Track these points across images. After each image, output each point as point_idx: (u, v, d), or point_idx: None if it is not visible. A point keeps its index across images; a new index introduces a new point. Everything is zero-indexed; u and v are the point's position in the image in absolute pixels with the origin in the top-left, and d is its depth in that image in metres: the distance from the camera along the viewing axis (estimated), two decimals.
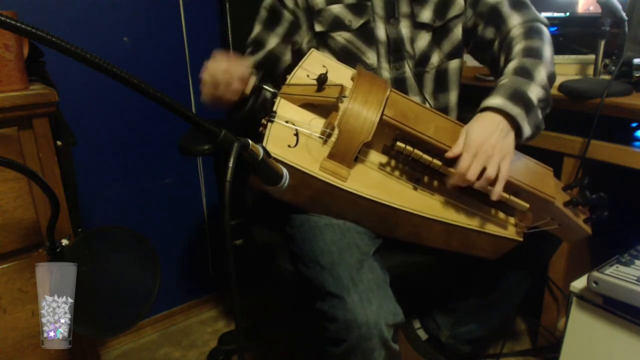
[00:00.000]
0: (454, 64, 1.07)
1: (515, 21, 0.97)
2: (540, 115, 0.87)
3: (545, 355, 1.36)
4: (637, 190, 1.27)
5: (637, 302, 0.84)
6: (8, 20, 0.41)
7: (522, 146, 0.89)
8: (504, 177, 0.81)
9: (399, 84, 1.04)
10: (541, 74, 0.88)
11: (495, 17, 0.99)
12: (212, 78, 0.87)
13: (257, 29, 1.06)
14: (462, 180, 0.81)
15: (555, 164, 1.02)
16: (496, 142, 0.81)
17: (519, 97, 0.84)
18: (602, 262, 0.94)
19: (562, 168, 1.19)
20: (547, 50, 0.93)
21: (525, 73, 0.88)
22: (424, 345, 1.18)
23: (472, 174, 0.80)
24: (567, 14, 1.35)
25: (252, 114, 1.02)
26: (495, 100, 0.84)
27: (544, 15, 1.36)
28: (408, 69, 1.04)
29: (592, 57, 1.23)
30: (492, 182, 0.81)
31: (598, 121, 1.06)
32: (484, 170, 0.80)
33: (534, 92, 0.86)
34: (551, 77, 0.91)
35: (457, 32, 1.05)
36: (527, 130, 0.85)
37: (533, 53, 0.91)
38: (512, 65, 0.90)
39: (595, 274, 0.89)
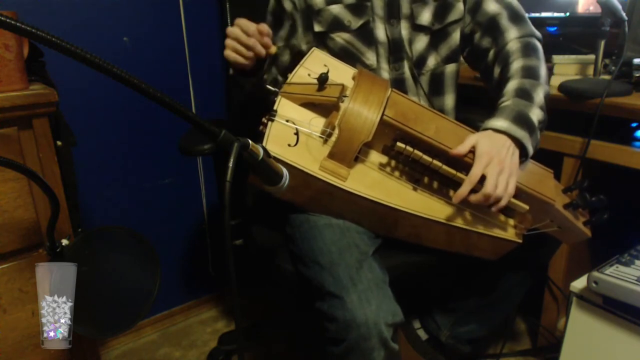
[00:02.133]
0: (450, 68, 1.08)
1: (512, 35, 0.99)
2: (539, 136, 0.91)
3: (545, 355, 1.36)
4: (637, 190, 1.27)
5: (637, 302, 0.84)
6: (8, 20, 0.41)
7: None
8: (510, 195, 0.82)
9: (398, 84, 1.04)
10: (539, 96, 0.91)
11: (493, 28, 1.02)
12: (244, 27, 0.88)
13: None
14: (470, 188, 0.81)
15: (555, 164, 1.02)
16: (505, 158, 0.83)
17: (523, 120, 0.87)
18: (602, 262, 0.94)
19: (562, 168, 1.19)
20: (543, 69, 0.96)
21: (525, 95, 0.90)
22: (424, 345, 1.18)
23: (490, 185, 0.80)
24: (567, 14, 1.35)
25: (262, 87, 0.98)
26: (500, 123, 0.86)
27: (544, 15, 1.38)
28: (407, 70, 1.04)
29: (592, 57, 1.23)
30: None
31: (598, 121, 1.06)
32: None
33: (535, 115, 0.89)
34: (547, 97, 0.94)
35: (455, 36, 1.06)
36: (530, 151, 0.88)
37: (531, 73, 0.94)
38: (512, 86, 0.93)
39: (595, 274, 0.89)
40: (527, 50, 0.97)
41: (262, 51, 0.88)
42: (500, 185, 0.80)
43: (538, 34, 1.02)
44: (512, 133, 0.85)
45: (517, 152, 0.86)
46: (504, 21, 1.00)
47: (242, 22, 0.89)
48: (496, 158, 0.82)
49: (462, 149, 0.83)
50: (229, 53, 0.90)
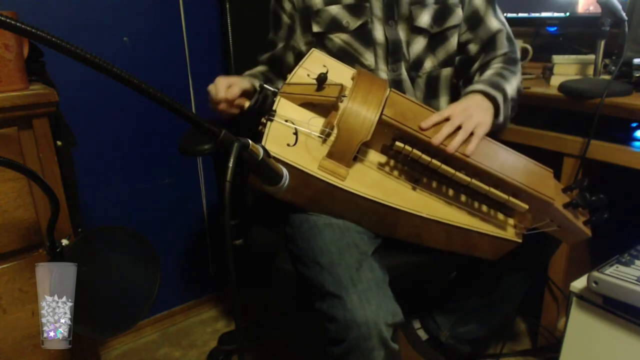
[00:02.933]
0: (446, 71, 1.09)
1: (501, 51, 1.07)
2: (509, 111, 0.97)
3: (545, 355, 1.36)
4: (637, 190, 1.27)
5: (637, 302, 0.84)
6: (8, 20, 0.41)
7: (522, 146, 0.89)
8: (479, 137, 0.86)
9: (396, 85, 1.04)
10: (512, 84, 1.00)
11: (491, 44, 1.07)
12: (212, 93, 0.98)
13: (271, 31, 1.14)
14: (438, 119, 0.86)
15: (555, 164, 1.02)
16: (476, 109, 0.89)
17: (497, 87, 0.96)
18: (602, 262, 0.94)
19: (562, 168, 1.18)
20: (519, 76, 1.04)
21: (501, 76, 1.00)
22: (424, 345, 1.18)
23: (451, 122, 0.85)
24: (567, 14, 1.35)
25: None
26: (477, 86, 0.96)
27: (544, 15, 1.38)
28: (405, 72, 1.04)
29: (592, 57, 1.23)
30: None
31: (598, 121, 1.06)
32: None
33: (508, 90, 0.97)
34: (520, 92, 1.03)
35: (453, 41, 1.07)
36: (502, 115, 0.94)
37: (507, 73, 1.02)
38: (489, 72, 1.03)
39: (595, 274, 0.89)
40: (509, 62, 1.05)
41: (235, 112, 0.97)
42: (466, 123, 0.85)
43: (518, 54, 1.10)
44: (489, 92, 0.92)
45: (490, 112, 0.91)
46: (503, 39, 1.06)
47: (212, 87, 0.98)
48: (467, 109, 0.88)
49: (439, 115, 0.87)
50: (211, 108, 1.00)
